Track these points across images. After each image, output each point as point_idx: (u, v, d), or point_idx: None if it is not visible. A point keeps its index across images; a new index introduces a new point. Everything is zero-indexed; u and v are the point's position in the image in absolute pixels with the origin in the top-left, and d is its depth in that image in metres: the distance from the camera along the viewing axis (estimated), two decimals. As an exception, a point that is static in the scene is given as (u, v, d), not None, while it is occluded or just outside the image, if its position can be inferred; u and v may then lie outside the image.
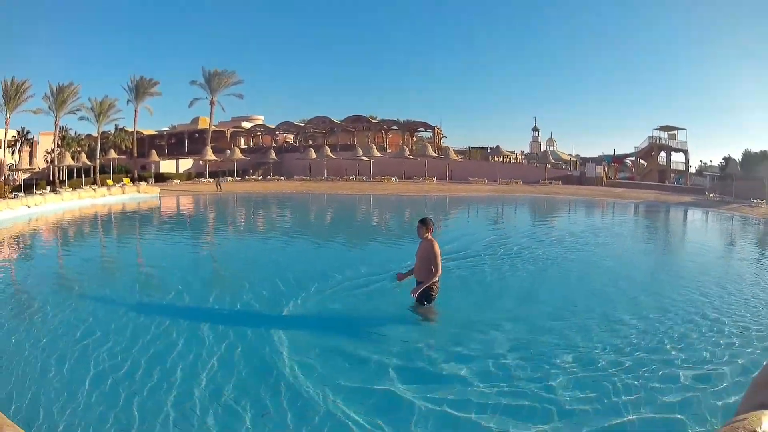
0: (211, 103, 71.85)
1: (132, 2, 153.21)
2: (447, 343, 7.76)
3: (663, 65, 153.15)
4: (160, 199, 43.70)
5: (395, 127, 78.50)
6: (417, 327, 8.79)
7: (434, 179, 59.01)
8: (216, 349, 7.39)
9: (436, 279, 8.64)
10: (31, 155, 70.33)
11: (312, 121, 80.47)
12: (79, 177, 57.01)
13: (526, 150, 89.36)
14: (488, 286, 11.89)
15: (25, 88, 58.06)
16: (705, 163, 77.38)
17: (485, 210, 37.43)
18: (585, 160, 74.57)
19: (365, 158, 61.53)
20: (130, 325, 8.55)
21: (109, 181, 53.37)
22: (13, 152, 65.05)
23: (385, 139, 78.21)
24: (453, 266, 13.39)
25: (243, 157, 67.60)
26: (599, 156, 78.63)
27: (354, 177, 62.33)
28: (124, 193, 44.33)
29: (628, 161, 79.19)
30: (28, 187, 48.96)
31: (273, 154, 68.87)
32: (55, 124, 61.46)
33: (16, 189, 49.84)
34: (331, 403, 5.74)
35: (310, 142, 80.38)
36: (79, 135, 71.42)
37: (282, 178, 63.73)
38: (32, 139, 71.83)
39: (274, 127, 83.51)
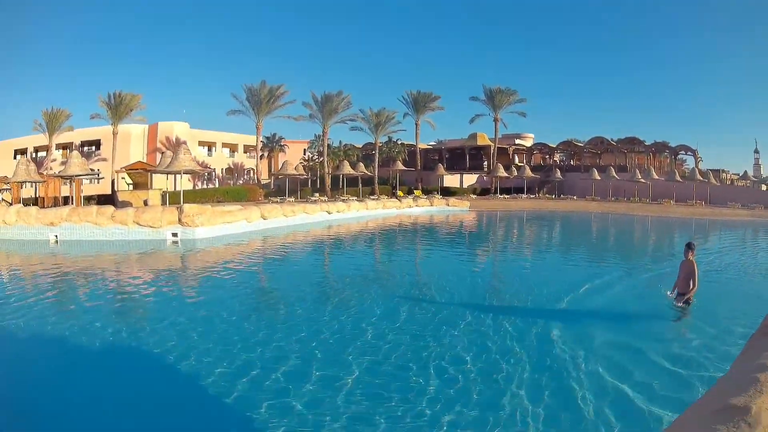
0: (495, 120, 68.83)
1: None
2: (701, 336, 9.05)
3: None
4: (478, 214, 43.18)
5: (666, 152, 74.82)
6: (676, 323, 10.31)
7: (702, 203, 55.38)
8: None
9: (694, 290, 10.53)
10: (271, 161, 71.14)
11: (590, 141, 76.08)
12: (343, 187, 56.43)
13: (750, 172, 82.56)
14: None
15: (281, 93, 55.90)
16: None
17: None
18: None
19: (642, 180, 58.91)
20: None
21: (400, 192, 54.89)
22: (261, 157, 63.35)
23: (652, 161, 73.43)
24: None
25: (533, 175, 65.23)
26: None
27: (635, 198, 59.26)
28: (432, 205, 44.81)
29: None
30: (282, 193, 49.95)
31: (558, 173, 66.17)
32: (324, 132, 59.14)
33: (270, 194, 50.40)
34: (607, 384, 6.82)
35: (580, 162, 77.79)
36: (345, 145, 70.34)
37: (574, 197, 61.01)
38: (284, 145, 72.46)
39: (554, 146, 79.46)
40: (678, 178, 58.88)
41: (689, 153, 72.72)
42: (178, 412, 6.25)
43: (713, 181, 60.73)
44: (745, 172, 66.04)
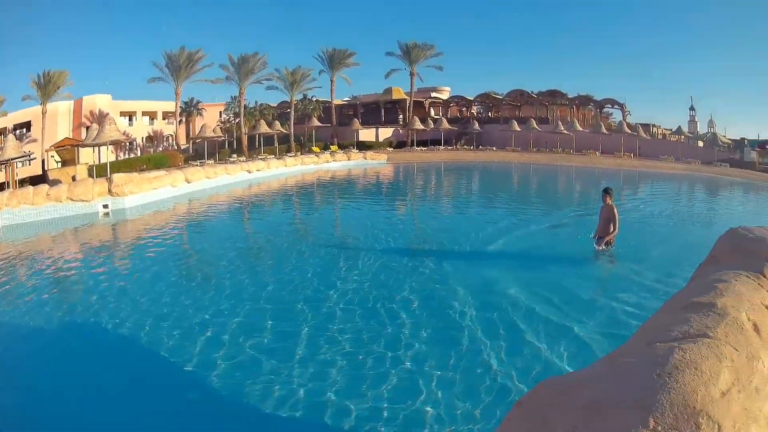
0: (411, 74, 70.25)
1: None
2: (620, 277, 10.34)
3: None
4: (396, 167, 45.10)
5: (591, 104, 75.19)
6: (598, 264, 11.60)
7: (631, 155, 57.53)
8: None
9: (614, 234, 11.57)
10: (189, 126, 70.79)
11: (509, 94, 78.33)
12: (260, 146, 57.26)
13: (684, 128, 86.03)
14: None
15: (199, 57, 56.67)
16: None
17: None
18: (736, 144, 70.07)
19: (566, 132, 59.77)
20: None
21: (315, 149, 56.41)
22: (180, 122, 64.04)
23: (576, 114, 74.52)
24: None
25: (450, 128, 66.37)
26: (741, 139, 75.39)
27: (558, 149, 60.47)
28: (350, 159, 46.04)
29: (771, 146, 77.45)
30: (201, 157, 49.84)
31: (476, 125, 67.41)
32: (240, 93, 60.33)
33: (189, 159, 50.89)
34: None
35: (499, 114, 79.58)
36: (261, 104, 71.38)
37: (493, 148, 62.26)
38: (202, 109, 72.18)
39: (472, 99, 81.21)
40: (604, 131, 60.02)
41: (616, 107, 73.48)
42: (146, 381, 6.50)
43: (642, 134, 62.18)
44: (679, 127, 67.74)
